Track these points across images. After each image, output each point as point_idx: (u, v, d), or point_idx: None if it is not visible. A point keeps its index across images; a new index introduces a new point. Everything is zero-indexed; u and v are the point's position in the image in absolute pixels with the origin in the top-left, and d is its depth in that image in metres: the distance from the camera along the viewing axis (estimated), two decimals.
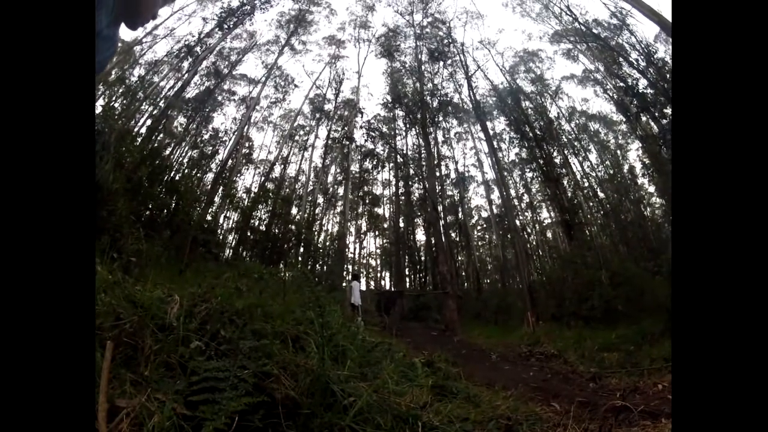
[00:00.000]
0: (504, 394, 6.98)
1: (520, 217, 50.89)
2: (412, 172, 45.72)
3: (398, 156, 46.74)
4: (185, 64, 39.46)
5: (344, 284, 33.27)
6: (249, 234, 40.16)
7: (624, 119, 40.93)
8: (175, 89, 38.41)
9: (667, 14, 27.15)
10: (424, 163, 40.94)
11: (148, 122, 34.85)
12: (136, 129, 31.99)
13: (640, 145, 40.65)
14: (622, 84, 34.72)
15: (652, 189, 44.20)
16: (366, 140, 42.94)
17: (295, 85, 49.89)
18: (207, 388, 2.82)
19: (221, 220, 40.99)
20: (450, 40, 43.07)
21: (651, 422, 5.27)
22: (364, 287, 36.85)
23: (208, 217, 35.29)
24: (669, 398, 7.61)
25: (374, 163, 47.84)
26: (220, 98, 44.19)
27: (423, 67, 42.16)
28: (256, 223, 41.69)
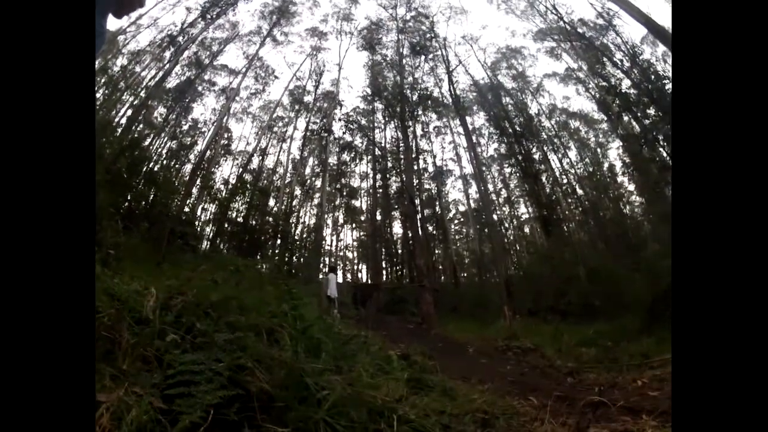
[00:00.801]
0: (481, 387, 7.02)
1: (498, 212, 51.10)
2: (390, 165, 45.75)
3: (376, 149, 46.73)
4: (167, 54, 39.31)
5: (321, 276, 33.30)
6: (226, 226, 40.05)
7: (605, 118, 41.15)
8: (156, 79, 38.30)
9: (656, 17, 27.32)
10: (402, 157, 40.98)
11: (129, 113, 34.73)
12: (116, 120, 31.86)
13: (621, 143, 40.91)
14: (604, 83, 34.80)
15: (631, 187, 44.54)
16: (344, 132, 43.10)
17: (276, 77, 49.79)
18: (183, 382, 2.82)
19: (199, 212, 40.86)
20: (432, 35, 43.05)
21: (631, 418, 5.30)
22: (340, 280, 36.81)
23: (186, 209, 35.18)
24: (649, 394, 7.57)
25: (352, 155, 47.89)
26: (200, 89, 44.01)
27: (404, 61, 42.15)
28: (234, 215, 41.55)
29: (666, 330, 14.88)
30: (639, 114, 30.59)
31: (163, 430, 2.51)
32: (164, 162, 37.45)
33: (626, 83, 31.80)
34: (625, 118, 35.03)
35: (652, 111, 28.50)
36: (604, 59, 34.22)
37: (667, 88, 27.66)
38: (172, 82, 40.11)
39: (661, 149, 28.67)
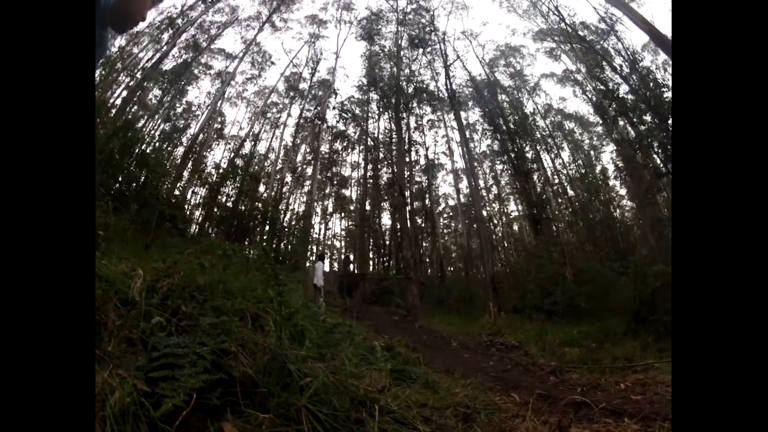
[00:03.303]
0: (463, 382, 6.98)
1: (487, 208, 51.26)
2: (381, 155, 45.72)
3: (369, 139, 46.80)
4: (165, 36, 39.24)
5: (308, 264, 33.31)
6: (216, 210, 39.87)
7: (601, 121, 41.24)
8: (153, 61, 38.26)
9: (659, 25, 27.35)
10: (394, 148, 40.95)
11: (124, 94, 34.68)
12: (111, 100, 31.77)
13: (615, 147, 41.06)
14: (602, 87, 34.68)
15: (623, 192, 44.78)
16: (338, 121, 43.04)
17: (272, 63, 49.71)
18: (167, 365, 2.83)
19: (189, 196, 40.67)
20: (432, 29, 42.87)
21: (613, 420, 5.32)
22: (327, 268, 36.74)
23: (176, 192, 35.07)
24: (632, 398, 7.55)
25: (344, 144, 47.99)
26: (196, 72, 43.92)
27: (402, 53, 41.95)
28: (224, 200, 41.35)
29: (650, 335, 14.97)
30: (635, 120, 30.51)
31: (146, 413, 2.51)
32: (157, 144, 37.29)
33: (624, 88, 31.74)
34: (621, 123, 35.08)
35: (648, 117, 28.44)
36: (604, 63, 34.13)
37: (665, 96, 27.71)
38: (168, 64, 40.17)
39: (655, 156, 28.71)
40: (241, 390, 2.92)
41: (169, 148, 39.54)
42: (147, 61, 38.29)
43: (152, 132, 38.65)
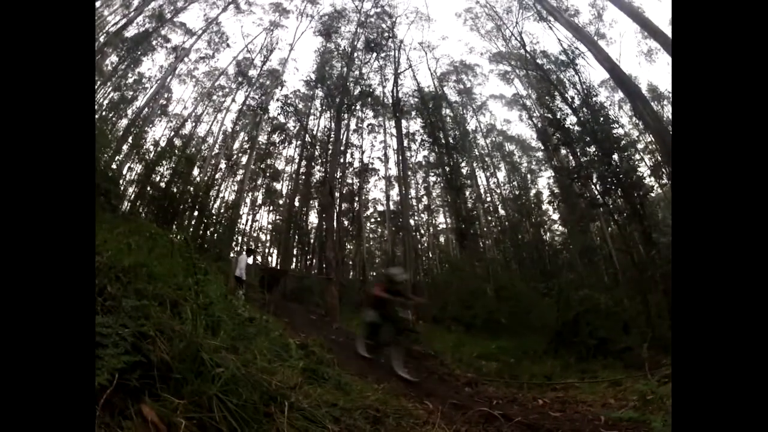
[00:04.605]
0: (375, 386, 7.06)
1: (416, 218, 51.36)
2: (317, 153, 45.64)
3: (307, 135, 46.62)
4: (135, 1, 38.80)
5: (231, 255, 33.11)
6: (149, 189, 39.24)
7: (542, 147, 41.75)
8: (118, 26, 37.83)
9: (624, 65, 27.84)
10: (330, 147, 40.96)
11: None
12: None
13: (553, 174, 41.65)
14: (549, 115, 35.00)
15: (555, 217, 45.44)
16: (279, 113, 42.91)
17: (228, 45, 49.11)
18: None
19: (125, 171, 40.00)
20: (390, 35, 43.14)
21: None
22: (251, 261, 36.54)
23: (113, 166, 34.47)
24: (550, 414, 7.58)
25: (282, 137, 47.72)
26: (154, 43, 43.38)
27: (355, 54, 42.04)
28: (158, 179, 40.69)
29: (572, 355, 15.23)
30: (578, 151, 30.88)
31: None
32: (103, 113, 36.71)
33: (572, 119, 32.05)
34: (563, 152, 35.56)
35: (592, 149, 28.84)
36: (556, 93, 34.42)
37: (614, 132, 28.34)
38: (131, 32, 39.86)
39: (593, 186, 29.14)
40: (158, 374, 2.97)
41: (113, 119, 38.94)
42: (113, 26, 37.93)
43: (100, 100, 38.08)
